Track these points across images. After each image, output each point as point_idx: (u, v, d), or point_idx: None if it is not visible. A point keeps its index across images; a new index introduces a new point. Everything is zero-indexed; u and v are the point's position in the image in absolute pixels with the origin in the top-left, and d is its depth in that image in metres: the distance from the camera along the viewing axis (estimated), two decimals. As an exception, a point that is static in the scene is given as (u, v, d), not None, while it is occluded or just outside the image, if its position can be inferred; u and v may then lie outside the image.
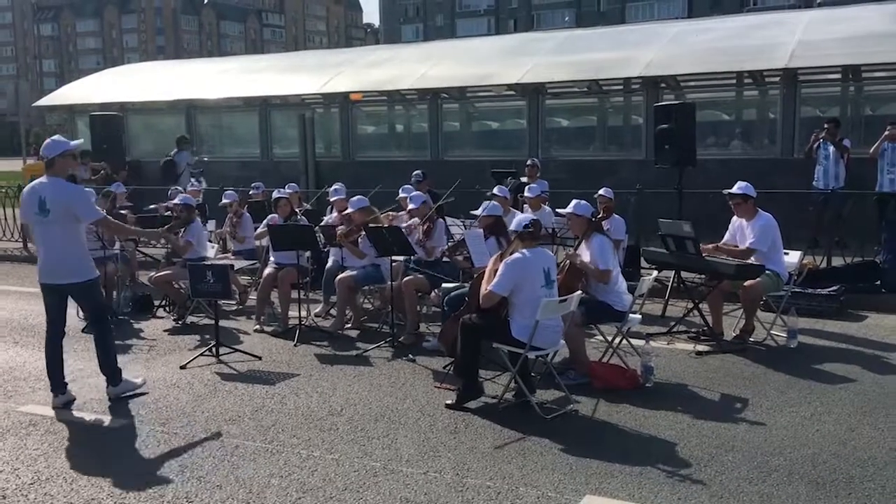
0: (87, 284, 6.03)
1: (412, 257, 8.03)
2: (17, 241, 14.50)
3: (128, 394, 6.22)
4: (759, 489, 4.46)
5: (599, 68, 15.00)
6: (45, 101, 23.21)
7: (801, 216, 10.62)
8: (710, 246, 7.69)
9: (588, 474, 4.68)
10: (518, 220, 6.05)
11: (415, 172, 11.66)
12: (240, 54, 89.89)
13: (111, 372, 6.21)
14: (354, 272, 8.27)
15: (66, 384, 6.12)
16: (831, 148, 11.57)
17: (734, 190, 7.66)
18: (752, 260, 7.39)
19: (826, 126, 11.73)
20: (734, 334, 7.59)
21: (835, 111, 14.24)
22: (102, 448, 5.24)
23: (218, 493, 4.51)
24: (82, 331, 7.96)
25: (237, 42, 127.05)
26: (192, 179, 14.21)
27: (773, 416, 5.62)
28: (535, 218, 6.09)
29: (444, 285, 7.56)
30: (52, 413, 5.90)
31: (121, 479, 4.72)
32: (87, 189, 8.10)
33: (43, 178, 5.93)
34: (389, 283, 7.86)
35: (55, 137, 6.15)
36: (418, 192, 9.14)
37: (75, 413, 5.92)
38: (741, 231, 7.67)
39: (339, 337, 8.05)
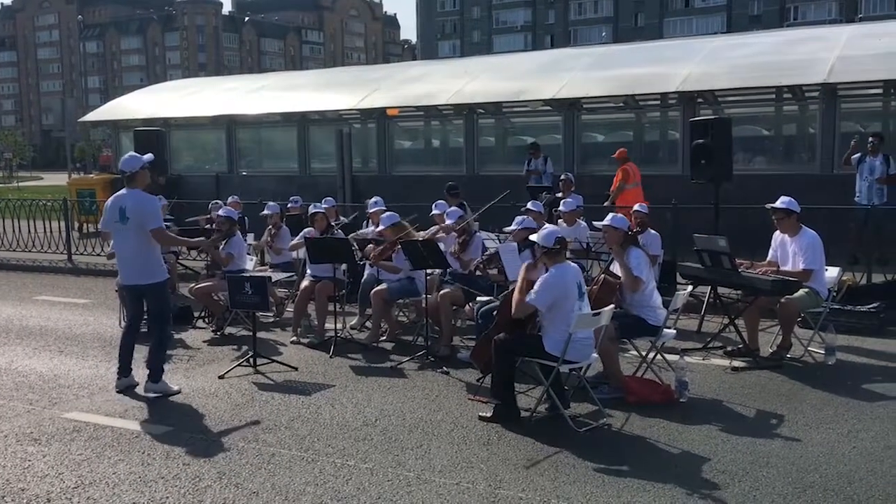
0: (158, 285, 6.70)
1: (448, 270, 8.10)
2: (62, 253, 14.86)
3: (161, 395, 6.61)
4: (793, 505, 4.43)
5: (636, 83, 14.98)
6: (90, 116, 23.79)
7: (841, 232, 10.48)
8: (749, 262, 7.60)
9: (620, 488, 4.69)
10: (545, 234, 5.97)
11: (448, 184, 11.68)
12: (279, 70, 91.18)
13: (155, 369, 6.68)
14: (389, 285, 8.36)
15: (132, 369, 6.75)
16: (877, 163, 11.44)
17: (777, 204, 7.54)
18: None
19: (871, 140, 11.60)
20: (771, 350, 7.51)
21: (876, 126, 14.04)
22: (143, 455, 5.36)
23: (255, 500, 4.61)
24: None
25: (277, 58, 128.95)
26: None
27: (809, 432, 5.58)
28: (560, 235, 6.07)
29: (477, 299, 7.61)
30: (95, 420, 6.06)
31: (161, 485, 4.84)
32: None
33: (124, 190, 6.57)
34: (424, 295, 7.94)
35: (132, 153, 6.74)
36: (454, 208, 9.23)
37: (118, 420, 6.07)
38: (783, 247, 7.58)
39: (374, 349, 8.14)
